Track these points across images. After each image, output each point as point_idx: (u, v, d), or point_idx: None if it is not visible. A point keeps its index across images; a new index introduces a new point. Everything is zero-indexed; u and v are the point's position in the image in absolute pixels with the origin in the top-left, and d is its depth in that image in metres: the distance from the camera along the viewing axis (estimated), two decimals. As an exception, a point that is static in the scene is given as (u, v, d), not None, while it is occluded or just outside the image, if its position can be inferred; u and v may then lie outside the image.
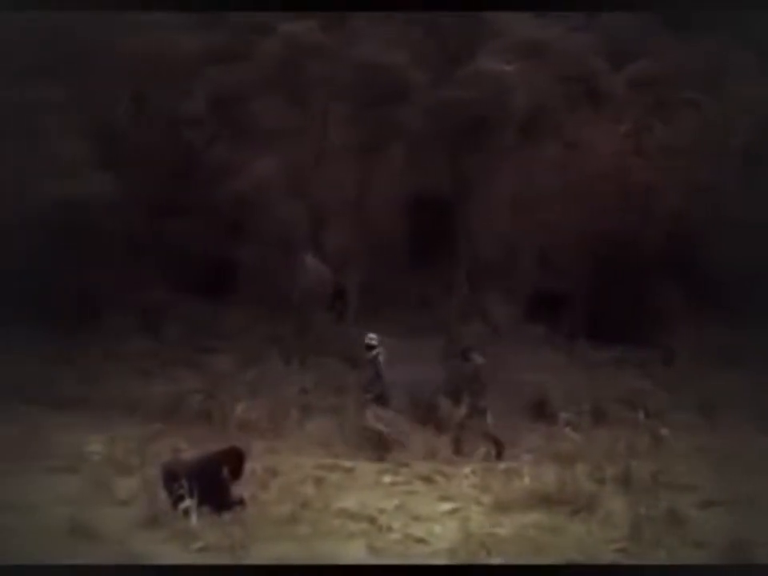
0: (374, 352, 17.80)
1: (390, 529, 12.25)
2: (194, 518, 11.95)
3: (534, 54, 25.96)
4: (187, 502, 12.04)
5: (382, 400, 17.56)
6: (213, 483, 12.23)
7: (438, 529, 12.38)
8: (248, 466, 12.86)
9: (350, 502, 13.35)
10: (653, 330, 24.72)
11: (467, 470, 15.54)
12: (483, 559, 11.01)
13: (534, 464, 15.45)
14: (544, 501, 13.42)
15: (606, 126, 26.74)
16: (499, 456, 16.67)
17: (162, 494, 12.52)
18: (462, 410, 17.45)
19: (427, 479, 15.11)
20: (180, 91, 25.37)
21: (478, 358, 17.85)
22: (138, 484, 13.51)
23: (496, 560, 10.96)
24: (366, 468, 15.58)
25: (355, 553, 11.32)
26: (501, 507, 13.37)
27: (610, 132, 26.66)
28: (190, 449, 14.82)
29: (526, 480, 14.39)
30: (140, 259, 24.31)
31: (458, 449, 17.06)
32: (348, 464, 15.68)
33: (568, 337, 24.29)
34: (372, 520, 12.56)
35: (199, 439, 16.35)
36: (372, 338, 17.93)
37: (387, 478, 15.06)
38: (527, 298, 25.00)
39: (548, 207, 26.32)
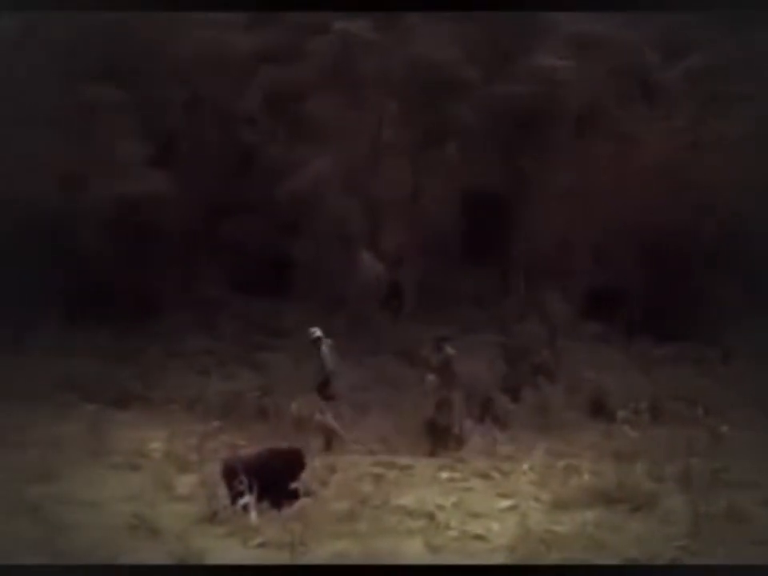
0: (318, 344, 17.76)
1: (448, 526, 12.24)
2: (253, 514, 12.04)
3: (587, 48, 25.83)
4: (246, 498, 12.14)
5: (323, 391, 17.53)
6: (272, 480, 12.32)
7: (496, 526, 12.33)
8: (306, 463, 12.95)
9: (408, 498, 13.36)
10: (710, 326, 24.47)
11: (525, 466, 15.47)
12: (542, 556, 10.96)
13: (592, 461, 15.38)
14: (603, 498, 13.30)
15: (660, 121, 26.54)
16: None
17: (222, 491, 12.62)
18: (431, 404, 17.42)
19: (485, 476, 15.07)
20: (236, 90, 25.55)
21: (449, 350, 17.64)
22: (198, 480, 13.65)
23: (555, 557, 10.90)
24: (423, 465, 15.59)
25: (414, 550, 11.31)
26: (560, 504, 13.27)
27: (665, 127, 26.46)
28: (249, 445, 14.97)
29: (585, 477, 14.30)
30: (197, 257, 24.57)
31: (433, 448, 16.96)
32: (405, 461, 15.70)
33: (625, 334, 24.13)
34: (430, 517, 12.56)
35: (256, 436, 16.54)
36: (314, 330, 17.93)
37: (444, 475, 15.05)
38: (584, 295, 24.87)
39: (603, 203, 26.18)
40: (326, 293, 23.54)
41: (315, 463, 13.89)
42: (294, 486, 12.48)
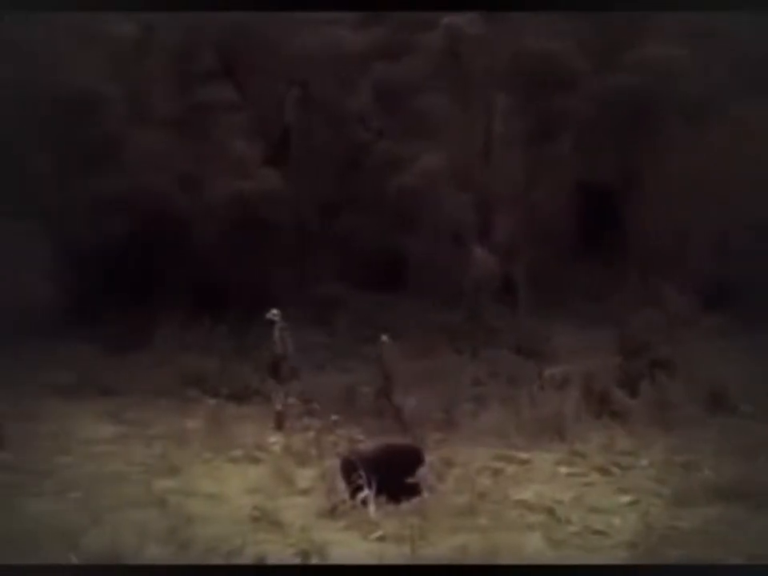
0: (273, 327, 18.07)
1: (568, 521, 12.19)
2: (371, 508, 12.16)
3: (700, 37, 25.33)
4: (365, 492, 12.26)
5: (273, 371, 17.98)
6: (390, 475, 12.42)
7: (617, 521, 12.24)
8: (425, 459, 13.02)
9: (527, 493, 13.34)
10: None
11: (644, 462, 15.29)
12: (664, 553, 10.82)
13: (713, 457, 15.11)
14: (725, 494, 13.07)
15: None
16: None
17: (341, 485, 12.77)
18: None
19: (604, 471, 14.91)
20: (347, 88, 25.75)
21: (384, 338, 17.93)
22: (317, 474, 13.83)
23: (678, 554, 10.75)
24: (542, 459, 15.52)
25: (534, 545, 11.29)
26: (680, 500, 13.09)
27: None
28: (367, 440, 15.10)
29: (706, 473, 14.11)
30: (311, 253, 24.84)
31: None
32: (524, 455, 15.64)
33: (745, 326, 23.57)
34: (550, 512, 12.52)
35: (373, 430, 16.67)
36: (275, 313, 18.20)
37: (563, 470, 14.94)
38: (702, 287, 24.39)
39: (719, 193, 25.68)
40: (439, 287, 23.59)
41: (433, 457, 13.92)
42: (412, 480, 12.58)
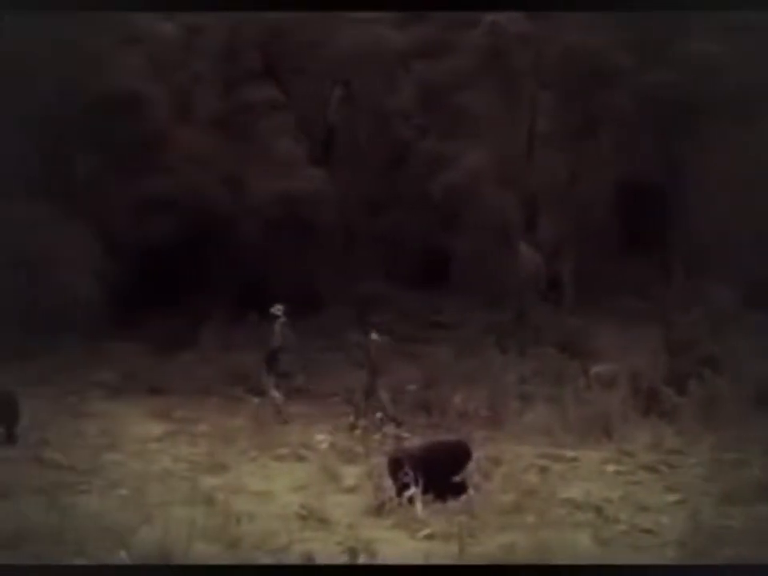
0: (274, 321, 18.16)
1: (616, 519, 12.12)
2: (419, 506, 12.16)
3: (742, 32, 25.06)
4: (412, 490, 12.26)
5: (270, 366, 18.07)
6: (437, 472, 12.41)
7: (665, 520, 12.15)
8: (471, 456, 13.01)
9: (574, 491, 13.28)
10: None
11: (693, 460, 15.18)
12: (714, 552, 10.72)
13: (762, 455, 14.95)
14: (776, 493, 12.98)
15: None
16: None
17: (388, 482, 12.77)
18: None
19: (652, 469, 14.84)
20: (390, 86, 25.75)
21: (373, 335, 18.08)
22: (364, 472, 13.85)
23: (728, 553, 10.65)
24: (589, 457, 15.45)
25: (582, 543, 11.23)
26: (729, 499, 12.98)
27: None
28: (413, 438, 15.12)
29: (755, 471, 13.97)
30: (355, 252, 24.87)
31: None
32: (571, 453, 15.58)
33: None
34: (598, 510, 12.45)
35: (419, 429, 16.69)
36: (278, 308, 18.29)
37: (611, 468, 14.89)
38: (749, 284, 24.13)
39: (763, 189, 25.42)
40: (484, 285, 23.52)
41: (479, 455, 13.88)
42: (458, 478, 12.57)
